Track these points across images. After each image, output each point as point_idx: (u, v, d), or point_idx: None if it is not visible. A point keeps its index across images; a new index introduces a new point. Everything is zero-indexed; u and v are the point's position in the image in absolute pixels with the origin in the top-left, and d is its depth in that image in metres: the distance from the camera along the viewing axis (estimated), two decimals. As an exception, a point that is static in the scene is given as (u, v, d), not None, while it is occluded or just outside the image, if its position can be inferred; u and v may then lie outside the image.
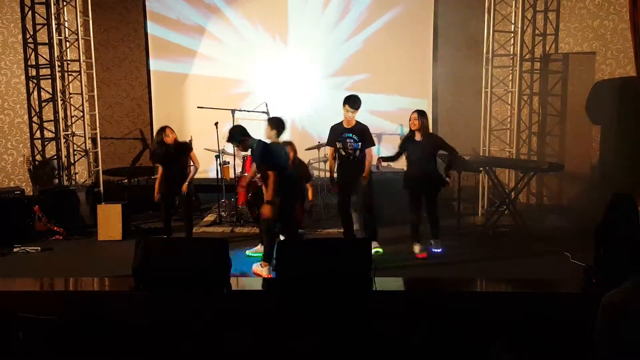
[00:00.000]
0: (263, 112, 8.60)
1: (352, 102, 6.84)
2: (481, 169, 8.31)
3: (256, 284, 6.06)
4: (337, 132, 6.95)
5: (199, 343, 4.80)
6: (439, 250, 7.00)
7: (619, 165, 8.07)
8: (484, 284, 6.24)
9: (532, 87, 9.20)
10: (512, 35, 8.98)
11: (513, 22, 8.94)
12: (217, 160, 8.52)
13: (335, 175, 7.03)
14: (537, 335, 4.60)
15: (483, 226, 8.06)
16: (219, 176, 8.59)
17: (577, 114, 8.81)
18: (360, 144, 6.83)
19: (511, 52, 9.07)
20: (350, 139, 6.84)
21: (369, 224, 6.89)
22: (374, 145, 7.06)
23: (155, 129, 9.65)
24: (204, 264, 5.44)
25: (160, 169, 7.17)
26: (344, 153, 6.87)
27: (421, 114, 6.95)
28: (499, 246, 7.39)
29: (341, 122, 6.97)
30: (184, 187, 7.03)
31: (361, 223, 7.02)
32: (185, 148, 7.24)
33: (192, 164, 7.23)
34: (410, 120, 6.94)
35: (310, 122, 9.77)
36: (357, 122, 6.93)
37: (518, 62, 8.81)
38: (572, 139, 8.97)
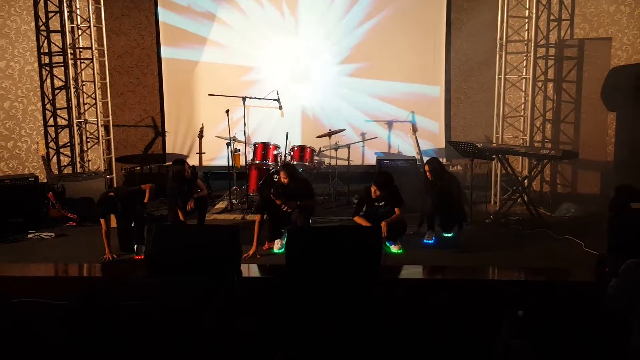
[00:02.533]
0: (274, 100, 8.58)
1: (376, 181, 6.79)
2: (494, 156, 8.25)
3: (267, 271, 6.07)
4: (367, 200, 6.89)
5: (210, 329, 4.81)
6: (450, 235, 7.09)
7: (634, 152, 7.97)
8: (495, 272, 6.22)
9: (547, 73, 9.08)
10: (527, 20, 8.85)
11: (527, 7, 8.81)
12: (228, 147, 8.51)
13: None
14: (548, 323, 4.57)
15: (496, 214, 7.99)
16: (230, 163, 8.59)
17: (592, 100, 8.70)
18: (388, 207, 6.78)
19: (525, 38, 8.95)
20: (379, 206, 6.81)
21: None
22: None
23: (167, 116, 9.78)
24: (215, 251, 5.47)
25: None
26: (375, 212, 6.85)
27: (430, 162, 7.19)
28: (511, 234, 7.34)
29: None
30: (191, 203, 7.06)
31: None
32: (195, 176, 7.30)
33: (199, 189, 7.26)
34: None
35: (321, 110, 9.74)
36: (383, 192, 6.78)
37: (532, 48, 8.68)
38: (587, 126, 8.85)
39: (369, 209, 6.84)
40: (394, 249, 6.65)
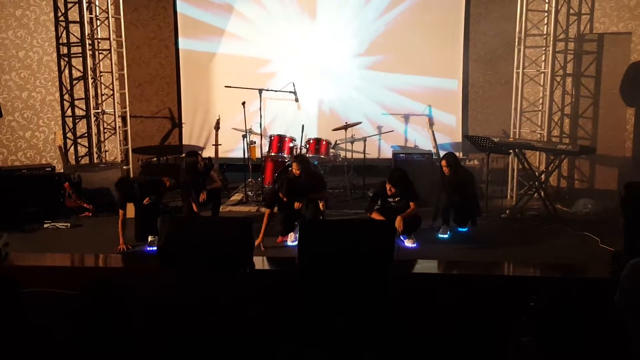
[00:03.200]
0: (290, 92, 8.58)
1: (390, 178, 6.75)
2: (510, 151, 8.19)
3: (279, 264, 6.09)
4: (382, 195, 6.85)
5: (222, 321, 4.83)
6: (464, 229, 7.08)
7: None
8: (510, 268, 6.18)
9: (566, 68, 8.98)
10: (546, 14, 8.75)
11: (547, 1, 8.70)
12: (244, 140, 8.53)
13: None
14: (562, 320, 4.53)
15: (512, 209, 7.93)
16: (246, 156, 8.61)
17: (611, 95, 8.59)
18: (403, 202, 6.73)
19: (544, 32, 8.85)
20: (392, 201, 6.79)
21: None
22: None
23: (184, 107, 9.80)
24: (228, 243, 5.47)
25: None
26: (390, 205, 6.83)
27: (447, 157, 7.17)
28: (527, 230, 7.28)
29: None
30: (203, 195, 7.08)
31: None
32: (209, 168, 7.32)
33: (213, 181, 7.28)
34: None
35: (337, 103, 9.70)
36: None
37: (551, 42, 8.58)
38: (605, 122, 8.74)
39: (383, 204, 6.81)
40: (408, 243, 6.62)
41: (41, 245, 6.81)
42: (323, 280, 5.14)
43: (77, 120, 9.46)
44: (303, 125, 8.71)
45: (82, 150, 9.56)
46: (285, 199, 6.59)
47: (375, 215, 6.68)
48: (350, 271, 5.11)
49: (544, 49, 8.89)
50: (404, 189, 6.67)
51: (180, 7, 9.71)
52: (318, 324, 4.62)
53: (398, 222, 6.40)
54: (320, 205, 6.84)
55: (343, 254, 5.18)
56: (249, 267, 5.55)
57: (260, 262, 5.97)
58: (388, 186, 6.63)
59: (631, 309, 3.82)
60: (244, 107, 8.27)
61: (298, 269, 5.42)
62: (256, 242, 6.25)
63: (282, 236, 6.75)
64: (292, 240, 6.67)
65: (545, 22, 8.81)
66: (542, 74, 8.92)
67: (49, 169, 8.25)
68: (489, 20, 9.24)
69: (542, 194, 7.90)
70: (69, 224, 7.52)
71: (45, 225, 7.46)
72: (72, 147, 9.48)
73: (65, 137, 9.35)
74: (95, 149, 9.43)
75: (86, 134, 9.51)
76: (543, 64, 8.91)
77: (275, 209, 6.72)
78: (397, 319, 4.76)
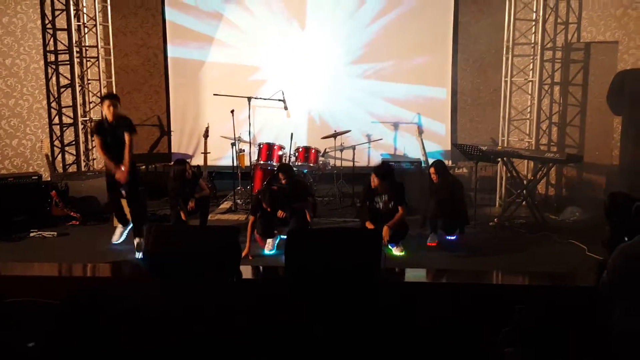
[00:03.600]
0: (279, 100, 8.57)
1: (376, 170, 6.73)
2: (498, 159, 8.21)
3: (266, 273, 6.06)
4: (369, 194, 6.78)
5: (208, 330, 4.80)
6: (453, 237, 7.06)
7: (639, 157, 7.90)
8: (498, 276, 6.18)
9: (553, 76, 9.03)
10: (534, 23, 8.80)
11: (535, 10, 8.76)
12: (233, 148, 8.52)
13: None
14: (548, 328, 4.53)
15: (500, 217, 7.94)
16: (235, 164, 8.59)
17: (598, 104, 8.63)
18: (391, 204, 6.63)
19: (532, 41, 8.90)
20: (382, 202, 6.69)
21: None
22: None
23: (173, 116, 9.78)
24: (214, 252, 5.44)
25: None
26: (378, 208, 6.72)
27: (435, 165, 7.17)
28: (515, 238, 7.30)
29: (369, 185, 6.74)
30: (191, 203, 7.00)
31: None
32: (197, 177, 7.27)
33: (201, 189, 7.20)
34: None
35: (326, 111, 9.69)
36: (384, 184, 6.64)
37: (539, 50, 8.64)
38: (592, 130, 8.79)
39: (370, 206, 6.75)
40: (396, 251, 6.60)
41: (28, 254, 6.73)
42: (310, 290, 5.12)
43: (64, 128, 9.42)
44: (292, 134, 8.71)
45: (69, 159, 9.51)
46: (268, 209, 6.57)
47: (369, 225, 6.59)
48: (337, 281, 5.09)
49: (531, 57, 8.95)
50: (394, 189, 6.61)
51: (169, 15, 9.68)
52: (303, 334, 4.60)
53: (385, 232, 6.38)
54: (307, 215, 6.83)
55: (329, 263, 5.16)
56: (235, 275, 5.53)
57: (246, 271, 5.93)
58: (373, 178, 6.56)
59: (617, 292, 3.91)
60: (232, 115, 8.25)
61: (284, 279, 5.40)
62: (243, 253, 6.22)
63: (261, 237, 6.68)
64: (269, 249, 6.65)
65: (533, 30, 8.86)
66: (530, 83, 8.97)
67: (36, 177, 8.16)
68: (477, 29, 9.28)
69: (530, 202, 7.92)
70: (55, 233, 7.44)
71: (32, 234, 7.38)
72: (60, 155, 9.43)
73: (52, 145, 9.31)
74: (83, 157, 9.39)
75: (74, 142, 9.47)
76: (531, 72, 8.96)
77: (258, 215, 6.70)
78: (385, 327, 4.74)
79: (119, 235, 6.71)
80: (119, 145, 6.32)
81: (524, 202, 7.94)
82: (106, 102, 6.35)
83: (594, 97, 8.71)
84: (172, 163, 7.54)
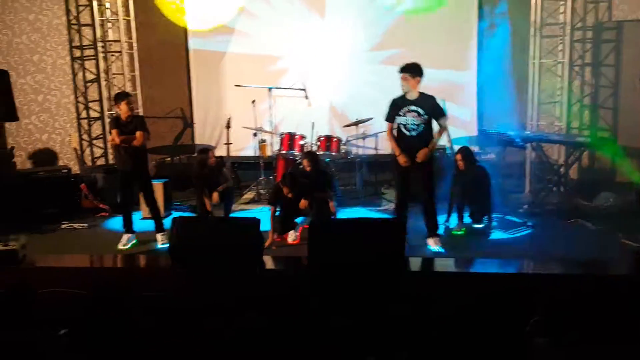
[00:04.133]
0: (300, 89, 8.50)
1: (409, 69, 6.10)
2: (527, 144, 8.00)
3: (289, 264, 6.01)
4: (398, 106, 6.16)
5: (232, 321, 4.78)
6: (480, 226, 6.93)
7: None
8: (527, 264, 6.03)
9: (584, 57, 8.76)
10: (562, 3, 8.54)
11: (563, -11, 8.51)
12: (254, 138, 8.49)
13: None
14: (579, 319, 4.39)
15: (530, 204, 7.75)
16: (257, 154, 8.55)
17: (632, 85, 8.32)
18: (426, 117, 6.05)
19: (561, 21, 8.64)
20: (413, 112, 6.06)
21: (428, 216, 6.28)
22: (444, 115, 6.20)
23: (196, 107, 9.77)
24: (238, 243, 5.44)
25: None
26: (405, 131, 6.09)
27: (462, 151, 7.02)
28: (545, 225, 7.09)
29: (403, 95, 6.16)
30: (215, 196, 6.99)
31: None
32: (221, 166, 7.30)
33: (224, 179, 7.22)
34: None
35: (349, 99, 9.51)
36: (422, 93, 6.12)
37: (569, 31, 8.39)
38: (626, 112, 8.51)
39: (403, 119, 6.09)
40: (433, 246, 6.21)
41: (60, 245, 6.91)
42: (334, 282, 5.06)
43: (91, 122, 9.53)
44: (313, 123, 8.61)
45: (97, 152, 9.61)
46: (290, 195, 6.50)
47: (391, 140, 6.13)
48: (360, 271, 5.03)
49: (560, 38, 8.68)
50: (427, 102, 6.05)
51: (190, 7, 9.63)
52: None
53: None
54: (330, 205, 6.75)
55: (353, 253, 5.09)
56: (259, 266, 5.51)
57: (269, 262, 5.91)
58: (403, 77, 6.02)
59: None
60: (254, 106, 8.21)
61: (307, 270, 5.36)
62: (266, 243, 6.18)
63: (279, 235, 6.62)
64: (292, 239, 6.60)
65: (562, 10, 8.60)
66: (560, 64, 8.72)
67: (66, 170, 8.35)
68: (502, 10, 9.04)
69: (562, 187, 7.71)
70: (86, 225, 7.60)
71: (63, 226, 7.55)
72: (88, 148, 9.53)
73: (80, 139, 9.41)
74: (110, 150, 9.45)
75: (101, 136, 9.57)
76: (560, 53, 8.71)
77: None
78: (410, 317, 4.66)
79: (126, 240, 6.66)
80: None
81: (554, 188, 7.74)
82: (125, 101, 6.48)
83: (627, 78, 8.41)
84: (196, 152, 7.57)
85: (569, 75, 8.52)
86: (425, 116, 6.00)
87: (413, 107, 6.02)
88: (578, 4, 8.53)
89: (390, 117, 6.21)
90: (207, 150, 7.24)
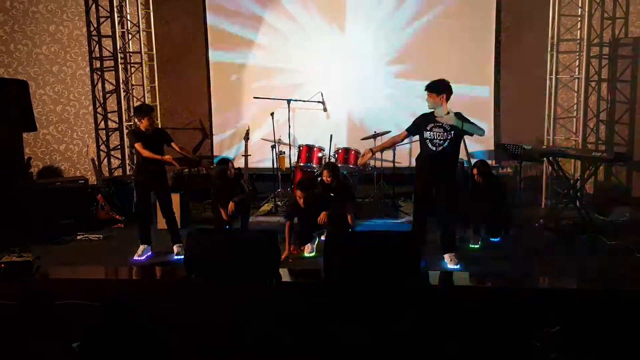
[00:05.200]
0: (319, 102, 8.56)
1: (433, 87, 6.09)
2: (544, 159, 8.01)
3: (305, 276, 6.03)
4: (426, 121, 6.08)
5: (247, 333, 4.81)
6: (497, 240, 6.95)
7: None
8: (543, 280, 6.01)
9: (600, 73, 8.77)
10: (579, 19, 8.57)
11: (580, 5, 8.53)
12: (273, 150, 8.55)
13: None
14: (593, 336, 4.38)
15: (546, 218, 7.74)
16: (275, 166, 8.61)
17: (648, 101, 8.36)
18: (452, 134, 5.97)
19: (578, 37, 8.66)
20: (440, 129, 5.99)
21: (446, 232, 6.19)
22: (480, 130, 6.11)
23: (215, 119, 9.86)
24: (254, 256, 5.48)
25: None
26: (430, 146, 6.01)
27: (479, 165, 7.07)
28: (561, 239, 7.10)
29: (432, 112, 6.11)
30: (231, 206, 6.93)
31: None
32: (239, 177, 7.34)
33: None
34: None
35: (367, 112, 9.58)
36: (452, 112, 6.06)
37: (585, 47, 8.40)
38: (643, 128, 8.51)
39: (422, 141, 6.05)
40: (450, 263, 6.07)
41: (74, 256, 6.87)
42: (350, 294, 5.09)
43: (110, 133, 9.62)
44: (331, 135, 8.67)
45: (115, 163, 9.70)
46: (299, 196, 6.53)
47: (385, 143, 6.47)
48: (377, 283, 5.05)
49: (577, 54, 8.71)
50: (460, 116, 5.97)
51: (210, 20, 9.76)
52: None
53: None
54: (349, 218, 6.78)
55: (369, 266, 5.12)
56: (275, 279, 5.54)
57: (285, 274, 5.93)
58: (429, 95, 5.98)
59: None
60: (272, 118, 8.28)
61: (324, 282, 5.38)
62: (283, 256, 6.21)
63: (296, 248, 6.62)
64: (309, 251, 6.59)
65: (579, 26, 8.63)
66: (576, 80, 8.73)
67: (82, 181, 8.36)
68: (520, 26, 9.09)
69: (578, 202, 7.70)
70: (101, 236, 7.58)
71: (79, 237, 7.54)
72: (106, 159, 9.63)
73: (98, 150, 9.51)
74: (128, 161, 9.55)
75: (119, 146, 9.65)
76: (577, 69, 8.73)
77: (296, 219, 6.67)
78: (426, 330, 4.67)
79: (142, 251, 6.65)
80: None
81: (570, 203, 7.73)
82: (147, 117, 6.57)
83: (644, 94, 8.43)
84: (216, 163, 7.63)
85: (585, 91, 8.52)
86: (452, 132, 5.95)
87: (439, 123, 5.99)
88: (595, 20, 8.55)
89: (410, 129, 6.20)
90: (227, 161, 7.24)
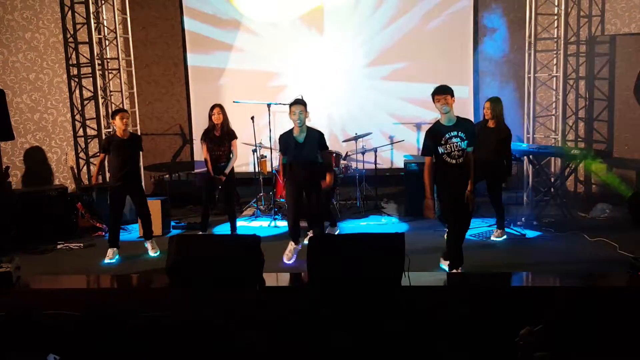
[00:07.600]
0: (299, 105, 8.52)
1: (450, 89, 5.49)
2: (524, 157, 8.06)
3: (289, 280, 6.00)
4: (439, 135, 5.51)
5: (231, 339, 4.77)
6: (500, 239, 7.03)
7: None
8: (526, 277, 6.03)
9: (578, 71, 8.86)
10: (556, 17, 8.64)
11: (557, 4, 8.60)
12: (254, 154, 8.51)
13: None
14: (578, 331, 4.40)
15: (527, 216, 7.79)
16: (257, 170, 8.57)
17: (625, 98, 8.44)
18: (467, 142, 5.48)
19: (555, 36, 8.74)
20: (456, 138, 5.47)
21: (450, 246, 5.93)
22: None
23: (195, 124, 9.80)
24: (237, 260, 5.42)
25: (205, 148, 7.23)
26: (449, 159, 5.52)
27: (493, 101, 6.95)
28: (543, 237, 7.14)
29: (438, 122, 5.59)
30: (221, 179, 7.11)
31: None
32: (231, 135, 7.31)
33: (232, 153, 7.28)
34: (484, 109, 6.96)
35: (348, 115, 9.62)
36: (459, 117, 5.59)
37: (562, 45, 8.47)
38: (621, 125, 8.59)
39: (437, 157, 5.52)
40: (445, 264, 6.05)
41: (55, 265, 6.79)
42: (334, 297, 5.06)
43: (89, 140, 9.51)
44: (312, 138, 8.64)
45: (94, 170, 9.57)
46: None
47: (428, 178, 5.53)
48: (360, 286, 5.03)
49: (555, 52, 8.78)
50: (466, 126, 5.50)
51: (188, 24, 9.71)
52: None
53: (469, 198, 5.48)
54: (328, 178, 6.66)
55: (352, 268, 5.10)
56: (258, 284, 5.50)
57: (270, 279, 5.89)
58: (437, 98, 5.41)
59: None
60: (253, 122, 8.24)
61: (309, 285, 5.35)
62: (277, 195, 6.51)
63: (297, 244, 6.58)
64: (288, 258, 6.53)
65: (556, 25, 8.70)
66: (555, 78, 8.80)
67: (62, 189, 8.26)
68: (498, 26, 9.13)
69: (559, 200, 7.75)
70: (82, 244, 7.51)
71: (59, 246, 7.46)
72: (85, 166, 9.52)
73: (77, 157, 9.40)
74: (107, 168, 9.43)
75: (98, 154, 9.54)
76: (555, 67, 8.79)
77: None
78: (409, 331, 4.66)
79: (112, 254, 6.77)
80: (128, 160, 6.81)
81: (551, 200, 7.78)
82: (125, 115, 6.72)
83: (621, 91, 8.51)
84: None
85: (563, 89, 8.59)
86: (466, 141, 5.47)
87: (455, 132, 5.45)
88: (571, 19, 8.63)
89: (428, 150, 5.56)
90: (216, 106, 7.27)
